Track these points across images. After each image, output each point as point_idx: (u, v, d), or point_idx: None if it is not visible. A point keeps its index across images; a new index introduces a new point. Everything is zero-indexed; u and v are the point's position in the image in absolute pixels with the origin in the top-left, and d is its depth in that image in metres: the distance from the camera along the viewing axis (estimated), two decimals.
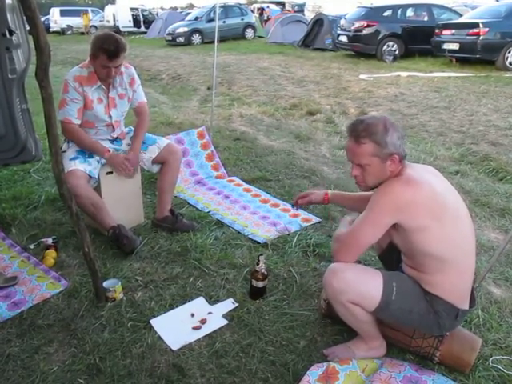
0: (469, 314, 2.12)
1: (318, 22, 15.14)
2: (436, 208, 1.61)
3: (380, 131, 1.63)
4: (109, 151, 2.71)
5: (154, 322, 2.10)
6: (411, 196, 1.59)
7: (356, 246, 1.71)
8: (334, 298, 1.76)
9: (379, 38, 11.69)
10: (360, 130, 1.66)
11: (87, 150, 2.69)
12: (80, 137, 2.68)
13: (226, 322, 2.11)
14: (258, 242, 2.80)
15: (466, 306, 1.74)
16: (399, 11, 12.05)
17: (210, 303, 2.25)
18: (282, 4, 32.11)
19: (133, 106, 2.91)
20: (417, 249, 1.66)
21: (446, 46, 10.34)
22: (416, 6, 12.38)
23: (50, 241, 2.70)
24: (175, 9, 35.43)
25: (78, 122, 2.66)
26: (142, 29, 25.15)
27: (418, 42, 11.46)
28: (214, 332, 2.05)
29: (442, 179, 1.78)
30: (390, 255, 1.95)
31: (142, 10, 27.09)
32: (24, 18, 2.62)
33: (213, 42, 4.54)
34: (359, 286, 1.69)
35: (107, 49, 2.47)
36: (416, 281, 1.74)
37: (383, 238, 1.83)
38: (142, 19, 26.00)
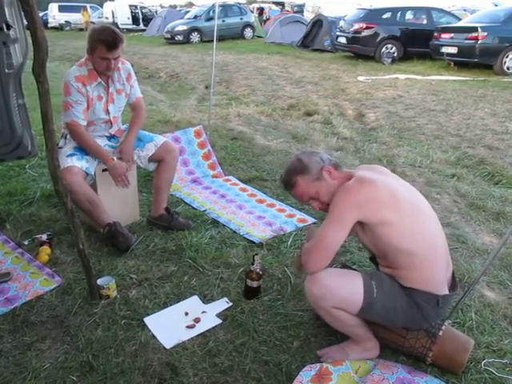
0: (460, 315, 2.14)
1: (318, 22, 15.16)
2: (392, 202, 1.66)
3: (297, 165, 1.83)
4: (113, 159, 2.69)
5: (147, 320, 2.10)
6: (367, 192, 1.65)
7: (325, 249, 1.70)
8: (317, 305, 1.77)
9: (378, 40, 11.71)
10: (285, 179, 1.86)
11: (91, 155, 2.68)
12: (87, 141, 2.66)
13: (219, 321, 2.11)
14: (254, 242, 2.80)
15: (444, 291, 1.75)
16: (398, 14, 12.06)
17: (204, 302, 2.25)
18: (282, 4, 32.14)
19: (130, 102, 2.90)
20: (386, 245, 1.68)
21: (444, 50, 10.38)
22: (415, 9, 12.41)
23: (44, 237, 2.69)
24: (174, 7, 35.37)
25: (85, 123, 2.65)
26: (141, 26, 25.10)
27: (417, 44, 11.49)
28: (208, 331, 2.05)
29: (394, 177, 1.84)
30: None
31: (141, 7, 27.02)
32: (22, 12, 2.60)
33: (211, 40, 4.54)
34: (340, 290, 1.70)
35: (105, 40, 2.46)
36: (393, 278, 1.76)
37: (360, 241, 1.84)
38: (140, 17, 25.94)
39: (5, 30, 2.63)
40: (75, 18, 25.96)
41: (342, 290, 1.70)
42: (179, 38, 18.23)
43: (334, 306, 1.71)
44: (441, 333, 1.82)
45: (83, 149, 2.68)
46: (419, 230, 1.69)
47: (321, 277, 1.71)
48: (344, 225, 1.67)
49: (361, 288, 1.71)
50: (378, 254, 1.81)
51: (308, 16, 21.51)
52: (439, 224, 1.80)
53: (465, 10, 19.28)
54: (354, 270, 2.07)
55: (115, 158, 2.71)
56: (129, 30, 23.77)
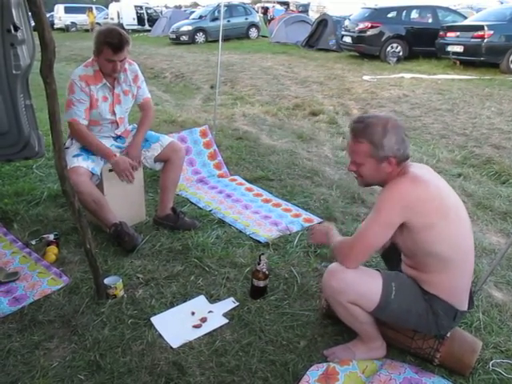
0: (468, 316, 2.12)
1: (322, 22, 15.12)
2: (442, 206, 1.61)
3: (378, 133, 1.62)
4: (115, 155, 2.70)
5: (154, 319, 2.11)
6: (419, 194, 1.59)
7: (366, 248, 1.68)
8: (334, 298, 1.76)
9: (383, 39, 11.66)
10: (359, 129, 1.66)
11: (94, 152, 2.68)
12: (87, 138, 2.67)
13: (226, 320, 2.11)
14: (260, 242, 2.80)
15: (464, 307, 1.75)
16: (404, 13, 12.01)
17: (210, 302, 2.25)
18: (287, 4, 32.09)
19: (137, 102, 2.91)
20: (420, 248, 1.65)
21: (450, 49, 10.32)
22: (421, 8, 12.35)
23: (51, 237, 2.70)
24: (179, 7, 35.47)
25: (86, 122, 2.66)
26: (146, 27, 25.14)
27: (422, 43, 11.44)
28: (215, 331, 2.05)
29: (441, 179, 1.78)
30: (393, 254, 1.94)
31: (147, 7, 27.07)
32: (29, 13, 2.62)
33: (217, 40, 4.54)
34: (358, 286, 1.69)
35: (111, 42, 2.48)
36: (415, 281, 1.74)
37: (390, 238, 1.82)
38: (146, 17, 25.98)
39: (12, 31, 2.65)
40: (81, 19, 26.07)
41: (361, 287, 1.69)
42: (184, 38, 18.26)
43: (351, 301, 1.70)
44: (448, 334, 1.81)
45: (85, 147, 2.69)
46: (459, 237, 1.66)
47: (341, 270, 1.70)
48: (390, 225, 1.62)
49: (379, 287, 1.69)
50: (406, 253, 1.78)
51: (313, 15, 21.47)
52: (472, 232, 1.76)
53: (471, 9, 19.18)
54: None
55: (118, 154, 2.72)
56: (134, 31, 23.81)
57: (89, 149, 2.68)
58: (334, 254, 1.81)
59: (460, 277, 1.70)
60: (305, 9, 28.35)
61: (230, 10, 19.00)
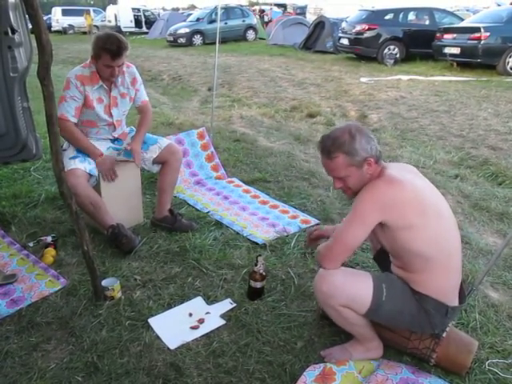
0: (464, 316, 2.13)
1: (320, 24, 15.15)
2: (419, 206, 1.63)
3: (347, 141, 1.67)
4: (101, 155, 2.70)
5: (151, 321, 2.11)
6: (395, 194, 1.62)
7: (343, 248, 1.70)
8: (325, 302, 1.77)
9: (380, 41, 11.69)
10: (328, 146, 1.70)
11: (81, 150, 2.69)
12: (74, 135, 2.67)
13: (223, 322, 2.12)
14: (257, 243, 2.81)
15: (455, 303, 1.76)
16: (401, 15, 12.04)
17: (208, 303, 2.26)
18: (284, 6, 32.18)
19: (136, 105, 2.92)
20: (402, 248, 1.67)
21: (447, 50, 10.35)
22: (418, 10, 12.38)
23: (49, 239, 2.71)
24: (177, 9, 35.52)
25: (75, 120, 2.66)
26: (144, 29, 25.17)
27: (419, 45, 11.46)
28: (212, 332, 2.06)
29: (421, 177, 1.80)
30: (385, 256, 1.95)
31: (144, 10, 27.13)
32: (26, 16, 2.63)
33: (214, 43, 4.55)
34: (349, 289, 1.70)
35: (110, 48, 2.49)
36: (405, 281, 1.75)
37: (377, 240, 1.84)
38: (143, 19, 26.01)
39: (10, 34, 2.66)
40: (78, 21, 26.07)
41: (351, 290, 1.70)
42: (182, 40, 18.28)
43: (342, 305, 1.71)
44: (444, 334, 1.82)
45: (71, 144, 2.69)
46: (440, 235, 1.67)
47: (331, 274, 1.71)
48: (366, 225, 1.64)
49: (370, 289, 1.70)
50: (392, 254, 1.80)
51: (310, 18, 21.50)
52: (457, 229, 1.78)
53: (467, 11, 19.26)
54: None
55: (104, 154, 2.72)
56: (131, 33, 23.84)
57: (75, 146, 2.69)
58: (316, 257, 1.82)
59: (446, 274, 1.71)
60: (302, 11, 28.39)
61: (228, 12, 19.03)
